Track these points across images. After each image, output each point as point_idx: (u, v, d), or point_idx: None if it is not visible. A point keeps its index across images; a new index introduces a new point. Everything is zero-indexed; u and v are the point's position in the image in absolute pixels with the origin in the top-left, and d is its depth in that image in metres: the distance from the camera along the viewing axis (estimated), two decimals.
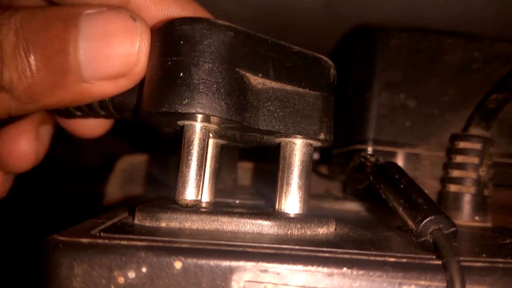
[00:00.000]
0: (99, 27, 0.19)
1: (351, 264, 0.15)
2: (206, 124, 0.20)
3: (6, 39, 0.18)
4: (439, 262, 0.15)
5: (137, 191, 0.42)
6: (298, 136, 0.21)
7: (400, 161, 0.32)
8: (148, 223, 0.19)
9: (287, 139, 0.21)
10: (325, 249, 0.16)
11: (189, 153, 0.19)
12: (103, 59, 0.19)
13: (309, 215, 0.20)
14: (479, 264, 0.16)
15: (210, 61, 0.19)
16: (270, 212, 0.21)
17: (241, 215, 0.19)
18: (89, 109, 0.23)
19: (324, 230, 0.20)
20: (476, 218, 0.28)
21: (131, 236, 0.16)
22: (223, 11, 0.42)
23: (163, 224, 0.19)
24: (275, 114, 0.20)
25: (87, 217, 0.20)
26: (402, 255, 0.16)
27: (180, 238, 0.16)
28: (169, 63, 0.19)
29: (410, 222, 0.17)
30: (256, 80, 0.20)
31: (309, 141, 0.21)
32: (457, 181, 0.29)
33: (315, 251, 0.16)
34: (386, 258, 0.15)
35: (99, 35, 0.19)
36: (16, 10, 0.19)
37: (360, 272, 0.15)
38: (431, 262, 0.16)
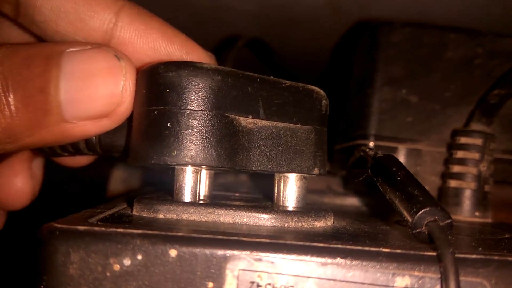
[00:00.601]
0: (82, 66, 0.18)
1: (345, 254, 0.15)
2: (197, 168, 0.19)
3: None
4: (434, 253, 0.15)
5: (140, 184, 0.43)
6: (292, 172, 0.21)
7: (401, 156, 0.32)
8: (146, 214, 0.19)
9: (281, 174, 0.21)
10: (319, 239, 0.16)
11: (181, 193, 0.19)
12: (85, 99, 0.19)
13: (306, 209, 0.20)
14: (474, 256, 0.16)
15: (198, 109, 0.18)
16: (268, 205, 0.21)
17: (238, 207, 0.19)
18: (75, 150, 0.23)
19: (321, 224, 0.20)
20: (476, 214, 0.28)
21: (126, 225, 0.16)
22: (226, 7, 0.42)
23: (161, 216, 0.19)
24: (268, 153, 0.20)
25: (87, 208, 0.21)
26: (397, 246, 0.16)
27: (174, 227, 0.16)
28: (156, 112, 0.19)
29: (405, 214, 0.17)
30: (246, 121, 0.19)
31: (303, 175, 0.21)
32: (458, 176, 0.29)
33: (309, 241, 0.16)
34: (380, 249, 0.15)
35: (82, 74, 0.18)
36: None
37: (354, 262, 0.15)
38: (425, 253, 0.16)
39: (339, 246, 0.15)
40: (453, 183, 0.29)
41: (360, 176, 0.23)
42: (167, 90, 0.18)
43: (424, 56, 0.33)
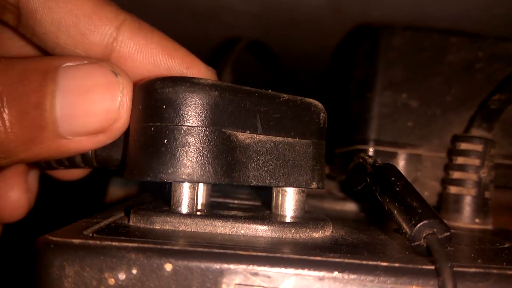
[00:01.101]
0: (78, 81, 0.18)
1: (342, 268, 0.15)
2: (194, 184, 0.19)
3: None
4: (432, 267, 0.15)
5: (138, 188, 0.42)
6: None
7: (401, 161, 0.32)
8: (142, 225, 0.19)
9: (279, 188, 0.21)
10: (317, 253, 0.16)
11: (178, 205, 0.19)
12: (81, 115, 0.18)
13: (305, 219, 0.20)
14: (472, 270, 0.15)
15: (195, 125, 0.18)
16: (266, 215, 0.21)
17: (236, 218, 0.19)
18: (70, 164, 0.23)
19: (319, 234, 0.20)
20: (477, 220, 0.28)
21: (122, 238, 0.16)
22: (227, 8, 0.42)
23: (157, 227, 0.19)
24: (265, 168, 0.20)
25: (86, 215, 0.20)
26: (395, 260, 0.16)
27: (172, 240, 0.16)
28: (152, 129, 0.18)
29: (404, 226, 0.17)
30: (244, 136, 0.19)
31: (301, 189, 0.21)
32: (458, 182, 0.28)
33: (306, 254, 0.15)
34: (378, 263, 0.15)
35: (78, 90, 0.18)
36: None
37: (352, 276, 0.15)
38: (424, 267, 0.15)
39: (337, 259, 0.15)
40: (453, 189, 0.28)
41: (359, 184, 0.23)
42: (164, 106, 0.18)
43: (425, 60, 0.33)
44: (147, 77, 0.20)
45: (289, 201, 0.21)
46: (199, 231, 0.18)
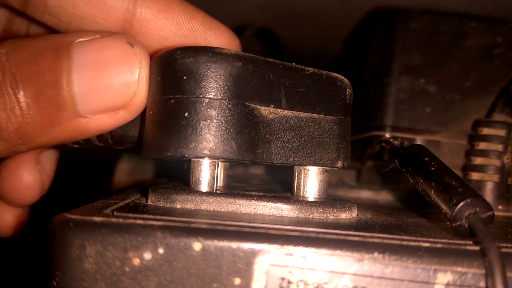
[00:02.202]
0: (94, 55, 0.17)
1: (383, 248, 0.14)
2: (215, 160, 0.18)
3: None
4: (477, 248, 0.14)
5: (146, 178, 0.41)
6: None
7: None
8: (162, 204, 0.18)
9: (301, 167, 0.20)
10: (353, 232, 0.15)
11: (198, 183, 0.18)
12: (100, 90, 0.17)
13: (330, 200, 0.19)
14: None
15: (218, 98, 0.17)
16: (289, 196, 0.20)
17: (260, 197, 0.18)
18: (85, 142, 0.21)
19: (346, 215, 0.19)
20: (499, 207, 0.27)
21: (146, 216, 0.15)
22: None
23: (178, 206, 0.18)
24: (289, 145, 0.19)
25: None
26: (437, 240, 0.15)
27: (198, 219, 0.15)
28: (172, 101, 0.17)
29: (443, 206, 0.16)
30: (267, 110, 0.18)
31: (325, 168, 0.20)
32: (480, 168, 0.28)
33: (343, 234, 0.14)
34: (420, 243, 0.14)
35: (95, 64, 0.17)
36: (1, 43, 0.17)
37: (393, 257, 0.14)
38: (468, 247, 0.14)
39: (376, 240, 0.14)
40: (475, 176, 0.28)
41: (385, 167, 0.22)
42: (185, 77, 0.17)
43: (443, 44, 0.32)
44: (168, 43, 0.19)
45: (312, 180, 0.20)
46: (222, 210, 0.17)
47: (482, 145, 0.28)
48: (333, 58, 0.52)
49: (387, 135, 0.31)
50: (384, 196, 0.31)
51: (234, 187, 0.24)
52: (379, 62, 0.33)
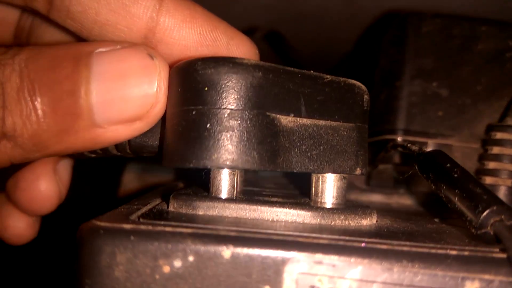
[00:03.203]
0: (113, 66, 0.17)
1: (411, 257, 0.14)
2: (235, 170, 0.18)
3: (8, 81, 0.16)
4: (504, 256, 0.14)
5: (154, 180, 0.41)
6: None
7: None
8: (184, 210, 0.18)
9: (319, 174, 0.20)
10: (381, 240, 0.15)
11: (218, 190, 0.18)
12: (118, 101, 0.17)
13: (350, 206, 0.19)
14: None
15: (239, 109, 0.17)
16: (308, 202, 0.20)
17: (282, 204, 0.18)
18: (103, 152, 0.21)
19: (367, 222, 0.19)
20: None
21: (174, 223, 0.15)
22: None
23: (200, 212, 0.18)
24: (308, 154, 0.19)
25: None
26: (463, 248, 0.15)
27: (225, 226, 0.15)
28: (194, 113, 0.17)
29: (468, 213, 0.16)
30: (287, 119, 0.18)
31: (343, 175, 0.20)
32: (493, 173, 0.28)
33: (371, 242, 0.15)
34: (448, 251, 0.14)
35: (114, 74, 0.17)
36: (20, 49, 0.17)
37: (422, 265, 0.14)
38: (494, 255, 0.15)
39: (404, 248, 0.14)
40: (488, 180, 0.28)
41: (401, 171, 0.22)
42: (206, 89, 0.17)
43: (455, 48, 0.32)
44: (190, 53, 0.19)
45: (329, 188, 0.20)
46: (244, 216, 0.17)
47: (496, 150, 0.28)
48: (338, 60, 0.52)
49: (399, 138, 0.31)
50: (396, 200, 0.32)
51: (251, 192, 0.24)
52: (391, 65, 0.33)
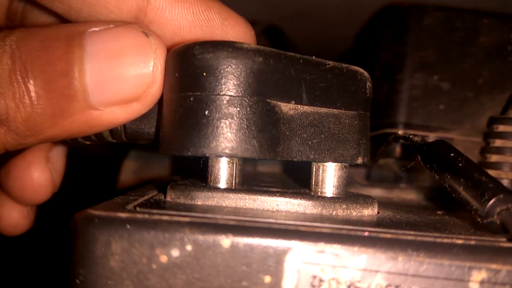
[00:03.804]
0: (107, 45, 0.17)
1: (416, 246, 0.14)
2: (233, 159, 0.18)
3: (0, 62, 0.16)
4: (511, 245, 0.14)
5: (152, 175, 0.41)
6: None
7: None
8: (182, 200, 0.17)
9: (319, 164, 0.19)
10: (385, 230, 0.14)
11: (217, 180, 0.18)
12: (113, 81, 0.17)
13: (352, 196, 0.19)
14: None
15: (239, 95, 0.17)
16: (308, 192, 0.19)
17: (282, 194, 0.18)
18: (98, 139, 0.21)
19: (369, 212, 0.19)
20: None
21: (171, 212, 0.14)
22: None
23: (199, 202, 0.17)
24: (309, 142, 0.18)
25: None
26: (469, 237, 0.14)
27: (224, 215, 0.15)
28: (192, 99, 0.17)
29: (474, 202, 0.16)
30: (288, 107, 0.18)
31: (344, 164, 0.19)
32: (496, 166, 0.27)
33: (374, 231, 0.14)
34: (454, 240, 0.14)
35: (108, 54, 0.17)
36: (11, 31, 0.16)
37: (427, 255, 0.14)
38: (502, 244, 0.14)
39: (409, 237, 0.14)
40: (490, 173, 0.27)
41: (400, 164, 0.22)
42: (204, 74, 0.17)
43: (456, 41, 0.32)
44: (184, 34, 0.18)
45: (330, 177, 0.19)
46: (244, 206, 0.17)
47: (498, 142, 0.27)
48: (337, 56, 0.52)
49: (400, 132, 0.31)
50: (397, 194, 0.31)
51: (249, 183, 0.24)
52: (392, 59, 0.33)
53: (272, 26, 0.45)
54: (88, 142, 0.21)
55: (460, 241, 0.14)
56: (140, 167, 0.42)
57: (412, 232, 0.14)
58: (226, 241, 0.13)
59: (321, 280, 0.13)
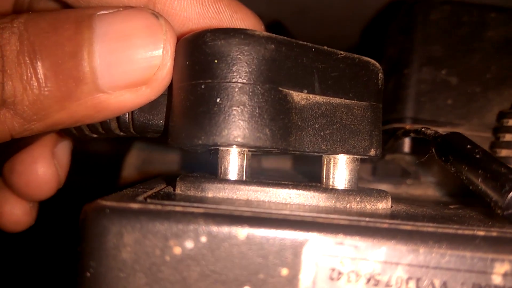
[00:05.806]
0: (117, 26, 0.16)
1: (438, 238, 0.13)
2: (244, 149, 0.17)
3: (8, 44, 0.15)
4: None
5: (154, 172, 0.41)
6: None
7: None
8: (192, 193, 0.17)
9: (331, 156, 0.19)
10: (404, 222, 0.14)
11: (227, 173, 0.17)
12: (122, 63, 0.16)
13: (364, 189, 0.19)
14: None
15: (251, 82, 0.16)
16: (319, 185, 0.19)
17: (295, 186, 0.17)
18: (105, 131, 0.20)
19: (383, 205, 0.18)
20: None
21: (184, 203, 0.14)
22: None
23: (209, 195, 0.17)
24: (321, 133, 0.18)
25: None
26: (490, 229, 0.14)
27: (238, 207, 0.14)
28: (203, 87, 0.16)
29: (493, 194, 0.15)
30: (300, 96, 0.17)
31: (356, 156, 0.19)
32: (506, 160, 0.27)
33: (394, 223, 0.14)
34: (475, 232, 0.14)
35: (117, 35, 0.16)
36: (19, 14, 0.16)
37: (449, 246, 0.13)
38: None
39: (429, 229, 0.14)
40: None
41: (416, 158, 0.21)
42: (215, 61, 0.16)
43: (464, 35, 0.31)
44: (192, 25, 0.18)
45: (342, 169, 0.19)
46: (256, 199, 0.17)
47: (508, 137, 0.27)
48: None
49: (408, 127, 0.31)
50: (405, 190, 0.31)
51: (259, 177, 0.23)
52: (399, 53, 0.32)
53: (275, 22, 0.44)
54: (95, 135, 0.21)
55: (481, 233, 0.14)
56: (142, 164, 0.41)
57: (432, 224, 0.14)
58: (242, 232, 0.13)
59: (340, 273, 0.13)
